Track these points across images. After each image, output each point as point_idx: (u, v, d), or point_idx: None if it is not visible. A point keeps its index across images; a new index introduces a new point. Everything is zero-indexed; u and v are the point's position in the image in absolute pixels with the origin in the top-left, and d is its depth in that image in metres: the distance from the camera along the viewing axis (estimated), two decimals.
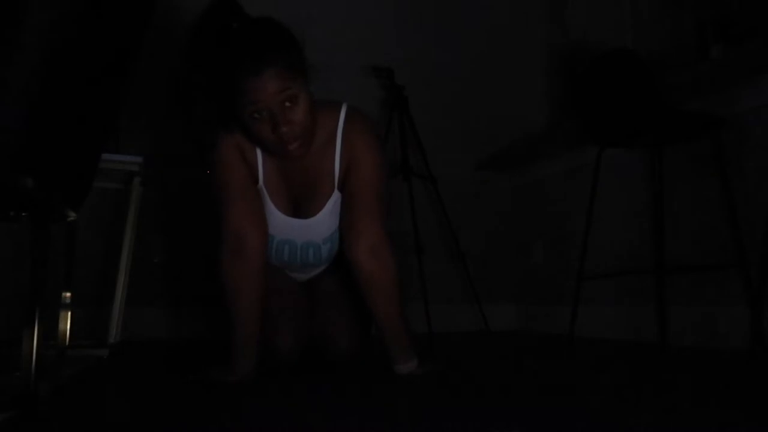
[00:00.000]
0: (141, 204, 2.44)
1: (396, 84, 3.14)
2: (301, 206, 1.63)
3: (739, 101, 2.16)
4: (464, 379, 1.60)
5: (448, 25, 3.52)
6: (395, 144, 3.08)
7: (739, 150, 2.16)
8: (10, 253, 2.55)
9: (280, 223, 1.62)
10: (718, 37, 2.16)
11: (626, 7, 2.86)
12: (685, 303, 2.32)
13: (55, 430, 1.03)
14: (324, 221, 1.62)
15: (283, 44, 1.48)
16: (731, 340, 2.12)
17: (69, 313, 1.70)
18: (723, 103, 2.20)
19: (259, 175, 1.59)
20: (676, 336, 2.27)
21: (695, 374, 1.62)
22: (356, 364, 1.81)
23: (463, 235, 3.23)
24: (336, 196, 1.60)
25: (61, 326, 1.68)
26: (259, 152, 1.58)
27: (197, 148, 1.50)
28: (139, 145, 2.70)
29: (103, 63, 1.16)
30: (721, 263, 2.17)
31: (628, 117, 2.12)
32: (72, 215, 1.37)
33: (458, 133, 3.43)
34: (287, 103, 1.41)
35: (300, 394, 1.38)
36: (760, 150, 2.11)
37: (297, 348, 1.80)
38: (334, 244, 1.68)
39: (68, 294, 1.69)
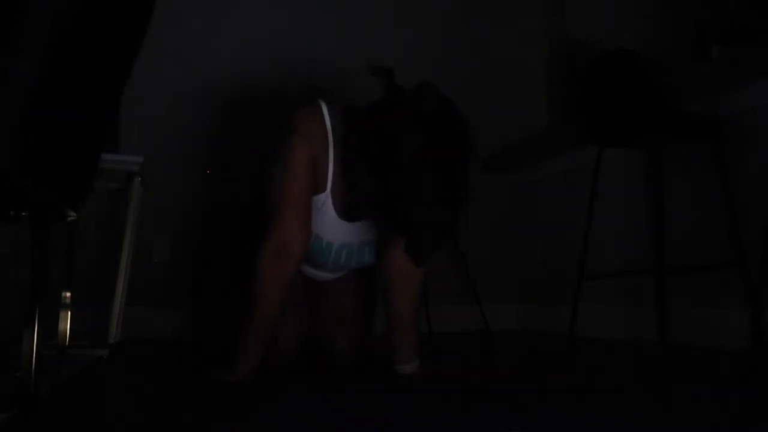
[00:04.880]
0: (141, 204, 2.44)
1: (396, 84, 3.14)
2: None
3: (739, 101, 2.16)
4: (464, 379, 1.60)
5: (448, 25, 3.52)
6: None
7: (739, 150, 2.16)
8: (10, 253, 2.55)
9: (340, 228, 1.62)
10: (718, 37, 2.16)
11: (626, 7, 2.86)
12: (685, 303, 2.32)
13: (55, 430, 1.03)
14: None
15: None
16: (731, 340, 2.12)
17: (69, 313, 1.70)
18: (723, 103, 2.20)
19: (328, 183, 1.55)
20: (676, 336, 2.27)
21: (695, 374, 1.62)
22: (356, 364, 1.81)
23: (463, 235, 3.22)
24: None
25: (61, 326, 1.68)
26: (331, 161, 1.54)
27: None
28: (139, 145, 2.70)
29: (103, 62, 1.16)
30: (721, 263, 2.16)
31: (628, 117, 2.12)
32: (72, 215, 1.37)
33: None
34: None
35: (300, 394, 1.38)
36: (760, 150, 2.11)
37: (297, 347, 1.80)
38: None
39: (68, 294, 1.69)
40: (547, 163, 3.25)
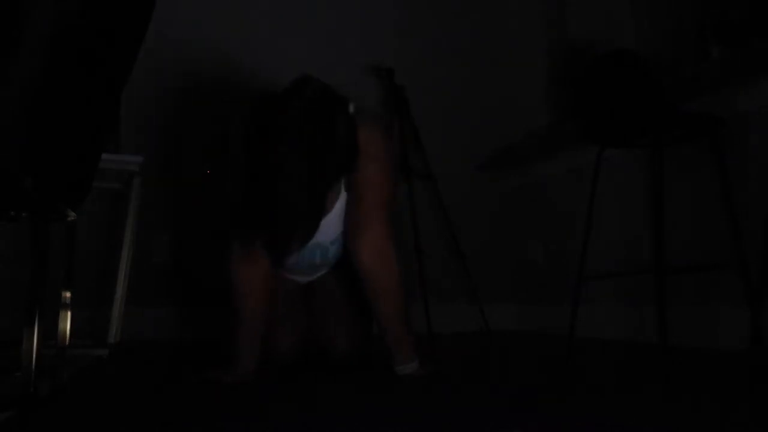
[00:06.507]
0: (141, 204, 2.44)
1: (396, 84, 3.14)
2: None
3: (739, 101, 2.16)
4: (464, 379, 1.60)
5: (448, 25, 3.52)
6: (395, 144, 3.08)
7: (739, 150, 2.16)
8: (10, 253, 2.55)
9: None
10: (718, 37, 2.16)
11: (626, 7, 2.86)
12: (685, 303, 2.32)
13: (55, 430, 1.03)
14: (332, 222, 1.62)
15: None
16: (731, 340, 2.12)
17: (69, 313, 1.70)
18: (723, 103, 2.20)
19: None
20: (676, 336, 2.27)
21: (695, 374, 1.62)
22: (356, 364, 1.81)
23: (463, 235, 3.22)
24: (344, 196, 1.60)
25: (61, 326, 1.68)
26: None
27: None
28: (139, 145, 2.70)
29: (103, 62, 1.16)
30: (721, 263, 2.16)
31: (628, 117, 2.11)
32: (72, 215, 1.37)
33: (458, 133, 3.43)
34: None
35: (300, 395, 1.38)
36: (760, 150, 2.11)
37: (295, 348, 1.80)
38: (340, 245, 1.68)
39: (68, 294, 1.69)
40: (547, 163, 3.25)
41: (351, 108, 1.54)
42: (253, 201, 1.37)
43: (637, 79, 2.14)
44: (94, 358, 2.05)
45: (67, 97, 1.06)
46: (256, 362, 1.54)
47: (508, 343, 2.67)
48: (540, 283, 3.31)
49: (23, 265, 1.18)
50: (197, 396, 1.33)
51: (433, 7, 3.51)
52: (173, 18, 2.97)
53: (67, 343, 1.69)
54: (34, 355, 1.12)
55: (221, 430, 1.02)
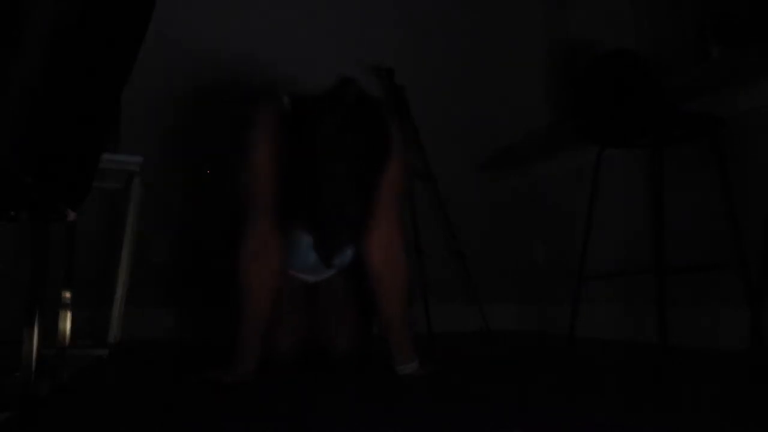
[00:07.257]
0: (141, 204, 2.44)
1: (396, 84, 3.14)
2: None
3: (739, 101, 2.16)
4: (464, 379, 1.60)
5: (448, 25, 3.52)
6: None
7: (739, 150, 2.16)
8: (10, 253, 2.55)
9: None
10: (718, 37, 2.17)
11: (626, 7, 2.86)
12: (685, 303, 2.32)
13: (55, 430, 1.03)
14: None
15: None
16: (731, 340, 2.12)
17: (69, 313, 1.70)
18: (723, 103, 2.20)
19: None
20: (676, 336, 2.27)
21: (695, 374, 1.62)
22: (356, 364, 1.81)
23: (463, 235, 3.22)
24: None
25: (61, 326, 1.68)
26: None
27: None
28: (139, 145, 2.70)
29: (103, 62, 1.16)
30: (721, 263, 2.16)
31: (628, 117, 2.12)
32: (72, 215, 1.37)
33: (458, 133, 3.43)
34: None
35: (300, 394, 1.38)
36: (760, 150, 2.11)
37: (295, 348, 1.80)
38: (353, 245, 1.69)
39: (68, 294, 1.69)
40: (547, 163, 3.25)
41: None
42: (302, 205, 1.39)
43: (637, 79, 2.14)
44: (94, 358, 2.05)
45: (67, 97, 1.06)
46: (256, 362, 1.54)
47: (508, 343, 2.67)
48: (540, 283, 3.31)
49: (23, 265, 1.18)
50: (197, 396, 1.33)
51: (433, 7, 3.51)
52: (173, 18, 2.97)
53: (67, 343, 1.69)
54: (34, 355, 1.12)
55: (221, 430, 1.02)
